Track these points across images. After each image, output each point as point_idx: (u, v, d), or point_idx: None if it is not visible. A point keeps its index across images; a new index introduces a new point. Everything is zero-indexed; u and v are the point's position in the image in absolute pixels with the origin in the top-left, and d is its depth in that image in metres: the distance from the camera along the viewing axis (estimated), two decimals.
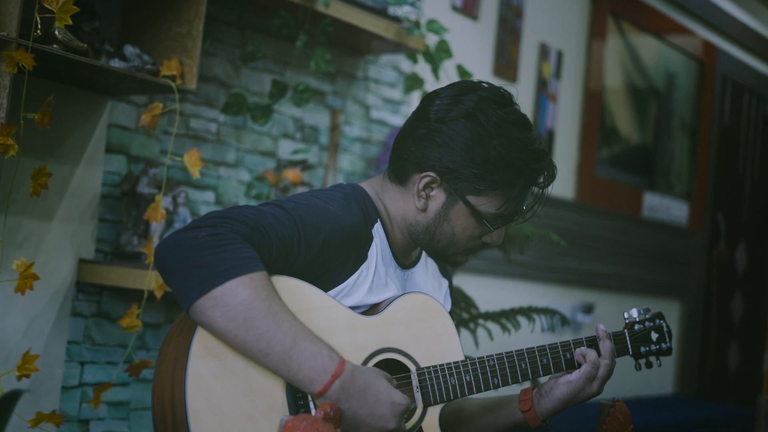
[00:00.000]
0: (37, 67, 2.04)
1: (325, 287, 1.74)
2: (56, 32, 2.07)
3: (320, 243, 1.69)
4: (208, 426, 1.53)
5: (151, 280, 2.28)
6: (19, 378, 2.10)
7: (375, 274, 1.81)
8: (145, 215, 2.36)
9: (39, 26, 2.04)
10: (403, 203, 1.86)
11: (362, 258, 1.78)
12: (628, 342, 1.99)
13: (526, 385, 2.15)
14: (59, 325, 2.41)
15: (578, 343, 1.93)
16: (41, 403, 2.34)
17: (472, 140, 1.77)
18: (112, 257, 2.50)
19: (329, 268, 1.74)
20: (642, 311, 2.02)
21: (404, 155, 1.84)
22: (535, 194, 1.88)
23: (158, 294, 2.28)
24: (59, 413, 2.36)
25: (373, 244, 1.81)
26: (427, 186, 1.82)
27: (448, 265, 1.99)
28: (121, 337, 2.54)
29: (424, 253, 2.01)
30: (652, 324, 2.01)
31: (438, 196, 1.83)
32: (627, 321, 2.02)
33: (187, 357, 1.55)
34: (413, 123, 1.85)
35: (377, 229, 1.83)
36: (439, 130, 1.79)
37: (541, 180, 1.85)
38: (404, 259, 1.93)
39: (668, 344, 2.02)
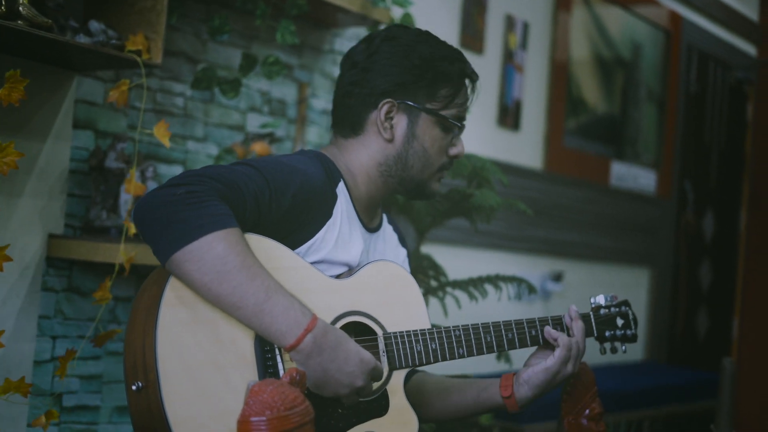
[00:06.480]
0: (2, 43, 2.04)
1: (294, 244, 1.78)
2: (21, 8, 2.07)
3: (289, 199, 1.74)
4: (176, 371, 1.58)
5: (122, 254, 2.30)
6: None
7: (340, 230, 1.85)
8: (125, 190, 2.39)
9: (3, 3, 2.04)
10: (365, 150, 1.95)
11: (327, 215, 1.83)
12: (593, 324, 2.03)
13: (491, 357, 2.18)
14: (30, 300, 2.43)
15: (543, 321, 1.97)
16: (13, 379, 2.36)
17: (402, 54, 1.92)
18: (82, 232, 2.51)
19: (298, 224, 1.78)
20: (609, 298, 2.07)
21: (351, 103, 1.95)
22: (469, 88, 2.01)
23: (127, 267, 2.30)
24: (31, 388, 2.38)
25: (338, 202, 1.86)
26: (388, 114, 1.92)
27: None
28: (92, 311, 2.56)
29: (385, 222, 2.06)
30: (618, 310, 2.06)
31: (400, 120, 1.93)
32: (593, 305, 2.07)
33: (159, 305, 1.60)
34: (346, 76, 1.97)
35: (341, 188, 1.88)
36: (372, 62, 1.93)
37: (470, 71, 1.99)
38: (368, 220, 1.98)
39: (633, 331, 2.05)
